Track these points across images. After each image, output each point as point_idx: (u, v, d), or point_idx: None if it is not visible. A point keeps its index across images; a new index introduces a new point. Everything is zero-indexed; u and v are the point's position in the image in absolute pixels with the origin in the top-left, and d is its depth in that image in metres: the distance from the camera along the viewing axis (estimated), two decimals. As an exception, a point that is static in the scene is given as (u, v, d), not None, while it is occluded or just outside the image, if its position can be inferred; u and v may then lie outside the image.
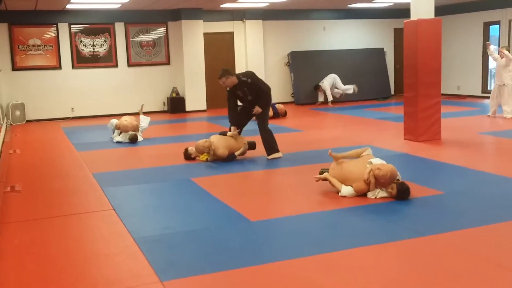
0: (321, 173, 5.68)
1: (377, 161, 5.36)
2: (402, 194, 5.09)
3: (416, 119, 8.31)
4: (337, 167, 5.49)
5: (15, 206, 5.46)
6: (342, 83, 15.06)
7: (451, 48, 15.61)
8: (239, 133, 7.54)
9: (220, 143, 7.37)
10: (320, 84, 14.91)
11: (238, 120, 7.53)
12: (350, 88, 14.90)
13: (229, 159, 7.35)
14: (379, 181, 5.17)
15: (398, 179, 5.24)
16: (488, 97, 13.35)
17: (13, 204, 5.55)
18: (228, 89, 7.37)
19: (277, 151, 7.47)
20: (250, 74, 7.40)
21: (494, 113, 10.84)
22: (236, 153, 7.42)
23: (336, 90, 14.99)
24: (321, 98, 15.00)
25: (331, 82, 14.95)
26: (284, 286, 3.33)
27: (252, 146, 7.68)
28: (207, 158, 7.36)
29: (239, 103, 7.62)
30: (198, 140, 7.50)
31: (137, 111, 10.13)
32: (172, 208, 5.24)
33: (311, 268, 3.59)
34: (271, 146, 7.46)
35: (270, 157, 7.39)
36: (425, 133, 8.32)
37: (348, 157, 5.59)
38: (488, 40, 13.40)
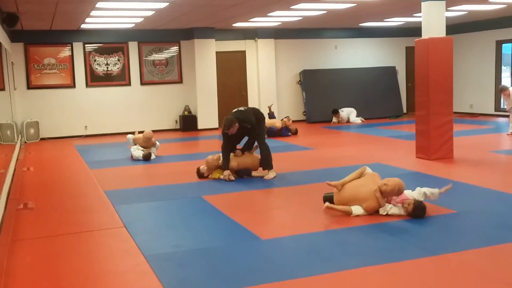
0: (325, 199, 5.61)
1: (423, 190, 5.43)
2: (418, 211, 5.06)
3: (428, 137, 8.29)
4: (341, 191, 5.43)
5: (27, 224, 5.50)
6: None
7: (464, 66, 15.58)
8: (243, 152, 7.63)
9: (237, 159, 7.46)
10: (339, 111, 14.90)
11: (231, 148, 7.55)
12: (358, 120, 14.92)
13: (242, 173, 7.38)
14: (388, 197, 5.15)
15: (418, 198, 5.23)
16: (501, 115, 13.31)
17: (26, 221, 5.60)
18: (228, 133, 7.30)
19: (272, 167, 7.46)
20: (248, 118, 7.32)
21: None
22: (254, 173, 7.46)
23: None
24: (335, 119, 14.96)
25: (349, 113, 14.97)
26: (294, 305, 3.32)
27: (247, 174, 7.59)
28: (219, 176, 7.39)
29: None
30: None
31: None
32: (183, 226, 5.25)
33: (321, 287, 3.57)
34: (267, 161, 7.48)
35: (266, 177, 7.37)
36: (437, 152, 8.28)
37: (349, 181, 5.52)
38: (492, 60, 13.58)
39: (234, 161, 7.45)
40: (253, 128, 7.41)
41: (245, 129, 7.37)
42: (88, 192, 7.04)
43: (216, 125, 14.39)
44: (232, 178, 7.31)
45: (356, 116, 15.00)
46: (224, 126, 7.22)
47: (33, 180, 8.02)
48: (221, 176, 7.36)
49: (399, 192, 5.13)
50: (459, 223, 5.00)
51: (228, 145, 7.47)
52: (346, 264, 3.96)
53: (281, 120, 12.68)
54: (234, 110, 7.57)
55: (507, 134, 10.81)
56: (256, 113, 7.59)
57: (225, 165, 7.33)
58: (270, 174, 7.40)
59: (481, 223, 4.98)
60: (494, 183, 6.66)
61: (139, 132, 9.96)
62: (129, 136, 9.90)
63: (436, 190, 5.39)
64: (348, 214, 5.28)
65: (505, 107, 11.16)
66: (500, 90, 11.15)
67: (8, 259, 4.34)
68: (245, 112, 7.49)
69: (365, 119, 15.07)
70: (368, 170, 5.60)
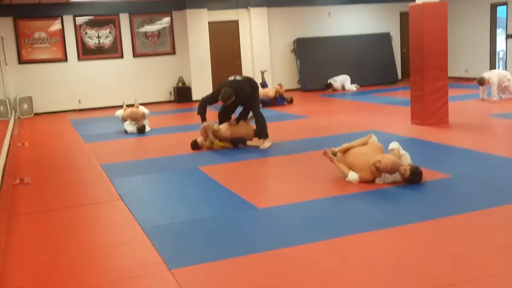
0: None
1: (394, 145, 5.38)
2: (414, 176, 5.07)
3: (423, 103, 8.27)
4: (345, 155, 5.47)
5: (24, 199, 5.51)
6: (347, 69, 14.99)
7: (458, 31, 15.47)
8: (238, 121, 7.63)
9: (223, 126, 7.49)
10: (332, 82, 14.83)
11: (225, 117, 7.68)
12: (353, 87, 14.85)
13: (237, 142, 7.39)
14: (382, 172, 5.16)
15: (411, 164, 5.23)
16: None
17: (23, 196, 5.60)
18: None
19: (267, 136, 7.46)
20: (244, 88, 7.30)
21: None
22: (249, 142, 7.46)
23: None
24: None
25: (343, 81, 14.89)
26: (291, 272, 3.35)
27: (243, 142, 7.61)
28: (222, 146, 7.43)
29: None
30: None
31: (129, 104, 10.04)
32: (179, 197, 5.26)
33: (317, 253, 3.60)
34: (263, 130, 7.47)
35: (261, 147, 7.37)
36: (432, 117, 8.28)
37: (354, 146, 5.53)
38: (487, 23, 13.31)
39: (228, 130, 7.45)
40: (248, 99, 7.38)
41: (240, 99, 7.34)
42: (83, 166, 7.04)
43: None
44: (234, 121, 7.45)
45: (351, 83, 14.95)
46: (222, 98, 7.20)
47: (28, 155, 8.00)
48: (213, 143, 7.40)
49: (392, 170, 5.09)
50: (453, 187, 5.03)
51: (223, 112, 7.59)
52: (342, 230, 3.99)
53: (274, 88, 12.61)
54: (230, 79, 7.53)
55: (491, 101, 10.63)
56: (251, 82, 7.56)
57: (202, 118, 7.43)
58: (266, 144, 7.40)
59: (476, 187, 5.01)
60: (490, 147, 6.68)
61: (127, 106, 9.85)
62: (118, 112, 9.74)
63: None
64: (344, 175, 5.30)
65: (483, 96, 10.85)
66: (478, 82, 10.65)
67: (6, 235, 4.35)
68: (241, 82, 7.44)
69: (360, 86, 15.02)
70: (374, 138, 5.58)
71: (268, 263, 3.51)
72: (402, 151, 5.37)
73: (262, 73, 13.46)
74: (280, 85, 12.61)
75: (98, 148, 8.09)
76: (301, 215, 4.44)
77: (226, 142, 7.51)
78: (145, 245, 3.93)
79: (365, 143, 5.53)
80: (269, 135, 7.49)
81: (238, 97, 7.27)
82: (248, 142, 7.51)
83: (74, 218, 4.80)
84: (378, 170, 5.13)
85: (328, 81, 14.90)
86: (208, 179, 5.84)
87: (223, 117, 7.75)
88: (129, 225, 4.42)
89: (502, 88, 10.62)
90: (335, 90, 14.78)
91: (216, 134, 7.47)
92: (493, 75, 10.61)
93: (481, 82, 10.62)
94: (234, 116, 7.78)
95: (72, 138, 9.33)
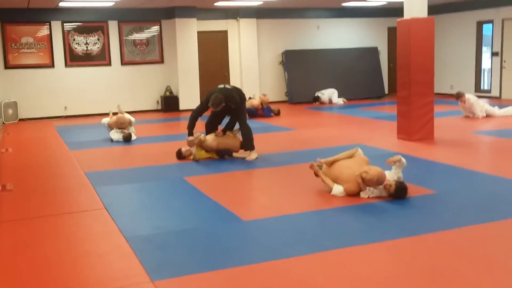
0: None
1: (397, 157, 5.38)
2: (400, 191, 5.08)
3: (409, 118, 8.32)
4: (330, 168, 5.48)
5: (6, 206, 5.43)
6: (335, 83, 15.07)
7: (445, 47, 15.64)
8: (224, 132, 7.62)
9: (210, 136, 7.49)
10: (320, 96, 14.87)
11: (212, 128, 7.72)
12: (340, 101, 14.90)
13: (223, 153, 7.37)
14: (368, 185, 5.17)
15: (399, 178, 5.24)
16: (481, 97, 13.41)
17: (5, 203, 5.52)
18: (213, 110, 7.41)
19: (253, 148, 7.44)
20: (234, 97, 7.30)
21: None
22: (235, 154, 7.44)
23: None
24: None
25: (330, 95, 14.93)
26: (276, 286, 3.33)
27: (229, 154, 7.56)
28: (208, 157, 7.39)
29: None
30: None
31: (116, 111, 9.95)
32: (164, 208, 5.22)
33: (303, 267, 3.59)
34: (249, 142, 7.44)
35: (247, 158, 7.36)
36: (418, 132, 8.33)
37: (339, 159, 5.54)
38: (473, 41, 13.46)
39: (215, 141, 7.44)
40: (235, 109, 7.37)
41: (228, 108, 7.33)
42: (68, 173, 6.96)
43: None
44: (221, 132, 7.47)
45: (338, 97, 15.01)
46: (212, 104, 7.17)
47: (11, 161, 7.91)
48: (198, 157, 7.36)
49: (378, 182, 5.11)
50: (438, 203, 5.04)
51: (210, 122, 7.65)
52: (328, 244, 3.97)
53: (259, 98, 12.61)
54: (220, 86, 7.51)
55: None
56: (240, 92, 7.57)
57: (189, 132, 7.37)
58: (252, 155, 7.38)
59: (461, 203, 5.03)
60: (474, 163, 6.72)
61: (114, 114, 9.79)
62: (104, 120, 9.69)
63: (398, 158, 5.35)
64: (329, 188, 5.31)
65: (463, 112, 11.02)
66: (456, 96, 10.78)
67: (-14, 242, 4.28)
68: (230, 90, 7.43)
69: (347, 99, 15.09)
70: (360, 152, 5.59)
71: (253, 276, 3.49)
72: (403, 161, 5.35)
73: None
74: (264, 94, 12.65)
75: (83, 156, 8.01)
76: (286, 228, 4.42)
77: (212, 153, 7.49)
78: (128, 256, 3.89)
79: (351, 156, 5.54)
80: (256, 147, 7.48)
81: (227, 105, 7.26)
82: (234, 154, 7.49)
83: (56, 226, 4.73)
84: (364, 182, 5.14)
85: (316, 94, 14.96)
86: (193, 190, 5.80)
87: (210, 127, 7.74)
88: (112, 235, 4.37)
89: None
90: (322, 103, 14.83)
91: (202, 145, 7.45)
92: (472, 96, 10.77)
93: (458, 95, 10.76)
94: (221, 127, 7.77)
95: (57, 145, 9.24)
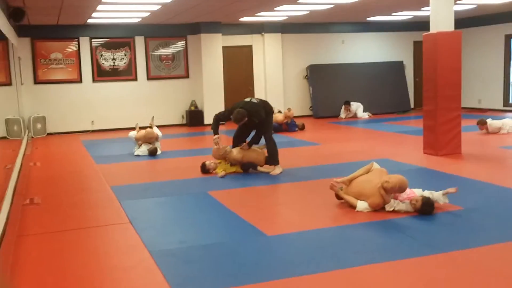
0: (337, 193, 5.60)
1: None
2: (426, 207, 5.02)
3: (435, 133, 8.22)
4: (349, 186, 5.43)
5: (34, 219, 5.51)
6: (360, 97, 15.00)
7: (472, 61, 15.46)
8: (250, 146, 7.59)
9: (235, 149, 7.52)
10: (351, 102, 14.84)
11: (239, 141, 7.71)
12: (365, 115, 14.84)
13: (247, 167, 7.37)
14: (393, 193, 5.12)
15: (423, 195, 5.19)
16: (510, 111, 13.19)
17: (32, 216, 5.60)
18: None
19: (278, 163, 7.44)
20: (259, 113, 7.25)
21: None
22: (259, 168, 7.44)
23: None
24: (343, 115, 14.89)
25: (356, 108, 14.90)
26: (299, 303, 3.29)
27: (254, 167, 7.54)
28: (224, 173, 7.34)
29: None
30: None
31: (148, 124, 10.04)
32: (188, 222, 5.24)
33: (326, 284, 3.55)
34: (274, 156, 7.44)
35: (272, 173, 7.35)
36: (445, 147, 8.22)
37: (357, 176, 5.50)
38: (501, 54, 13.26)
39: (240, 154, 7.45)
40: (261, 122, 7.36)
41: (253, 122, 7.33)
42: (94, 187, 7.04)
43: (223, 120, 14.31)
44: (246, 146, 7.43)
45: (363, 111, 14.93)
46: (234, 119, 7.20)
47: (39, 175, 8.03)
48: (225, 171, 7.36)
49: (400, 189, 5.08)
50: (465, 220, 4.95)
51: (237, 136, 7.68)
52: (352, 261, 3.93)
53: (283, 113, 12.60)
54: (246, 100, 7.49)
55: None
56: (266, 106, 7.51)
57: (214, 131, 7.51)
58: (277, 170, 7.37)
59: (488, 220, 4.93)
60: (502, 179, 6.60)
61: (140, 128, 9.88)
62: (131, 134, 9.79)
63: (439, 196, 5.28)
64: (353, 206, 5.26)
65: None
66: (479, 123, 10.58)
67: (14, 255, 4.34)
68: (256, 105, 7.36)
69: (372, 114, 15.00)
70: (376, 165, 5.57)
71: (276, 292, 3.46)
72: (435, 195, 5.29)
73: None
74: (288, 109, 12.62)
75: (109, 170, 8.10)
76: (311, 244, 4.39)
77: (237, 167, 7.50)
78: (153, 270, 3.90)
79: (368, 171, 5.49)
80: (280, 161, 7.47)
81: (250, 119, 7.25)
82: (259, 168, 7.49)
83: (82, 240, 4.78)
84: (387, 191, 5.09)
85: (347, 100, 14.85)
86: (217, 204, 5.81)
87: (237, 141, 7.74)
88: (137, 249, 4.39)
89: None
90: (349, 111, 14.73)
91: (227, 157, 7.47)
92: (495, 122, 10.55)
93: (481, 122, 10.57)
94: (247, 140, 7.78)
95: (84, 159, 9.36)
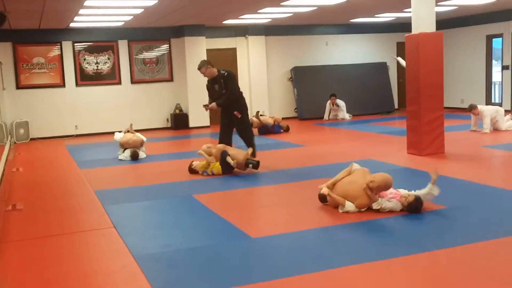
0: (320, 196, 5.58)
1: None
2: (416, 203, 5.05)
3: (419, 133, 8.27)
4: (333, 190, 5.41)
5: (16, 225, 5.44)
6: (344, 98, 15.02)
7: (455, 62, 15.60)
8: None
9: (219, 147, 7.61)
10: (335, 97, 14.78)
11: (227, 140, 7.98)
12: (347, 116, 14.81)
13: (223, 161, 7.36)
14: (377, 192, 5.14)
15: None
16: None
17: (14, 222, 5.53)
18: (207, 81, 8.15)
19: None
20: (229, 71, 8.04)
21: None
22: (232, 162, 7.34)
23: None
24: (326, 115, 14.89)
25: (342, 106, 14.82)
26: (284, 304, 3.29)
27: (254, 165, 7.50)
28: (207, 170, 7.45)
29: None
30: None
31: (127, 130, 9.93)
32: (173, 226, 5.21)
33: (312, 285, 3.55)
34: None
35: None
36: (429, 147, 8.27)
37: (339, 179, 5.50)
38: (482, 55, 13.54)
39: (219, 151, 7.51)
40: (229, 82, 7.94)
41: (223, 77, 7.93)
42: (77, 192, 6.99)
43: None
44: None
45: (346, 112, 14.91)
46: (199, 67, 8.08)
47: (22, 180, 7.95)
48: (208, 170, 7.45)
49: (386, 187, 5.11)
50: (450, 219, 4.99)
51: (222, 134, 8.09)
52: (337, 262, 3.93)
53: (273, 117, 12.69)
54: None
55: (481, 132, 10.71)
56: (237, 85, 8.25)
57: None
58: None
59: (472, 218, 4.97)
60: (485, 178, 6.66)
61: (127, 131, 9.79)
62: (117, 136, 9.69)
63: (426, 194, 5.31)
64: (342, 206, 5.24)
65: (472, 126, 11.02)
66: (469, 107, 10.79)
67: (-5, 262, 4.28)
68: (229, 70, 8.19)
69: (356, 115, 15.02)
70: (356, 166, 5.57)
71: (261, 294, 3.45)
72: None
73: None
74: (272, 116, 12.78)
75: (93, 174, 8.04)
76: (295, 245, 4.38)
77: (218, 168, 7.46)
78: (137, 275, 3.87)
79: (349, 173, 5.50)
80: (266, 164, 7.49)
81: (221, 75, 7.95)
82: (232, 162, 7.39)
83: (65, 245, 4.73)
84: (373, 190, 5.10)
85: (333, 93, 14.81)
86: (202, 208, 5.79)
87: (226, 141, 7.95)
88: (121, 254, 4.36)
89: (494, 123, 10.67)
90: (336, 105, 14.70)
91: (211, 153, 7.54)
92: (487, 108, 10.74)
93: (471, 107, 10.71)
94: (235, 145, 7.89)
95: (67, 164, 9.28)
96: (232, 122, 8.08)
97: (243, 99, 8.20)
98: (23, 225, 5.46)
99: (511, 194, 5.74)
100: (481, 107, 10.77)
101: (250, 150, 7.73)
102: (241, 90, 8.36)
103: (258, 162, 7.45)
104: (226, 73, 7.97)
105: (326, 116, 14.86)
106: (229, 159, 7.31)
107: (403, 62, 10.97)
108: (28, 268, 4.18)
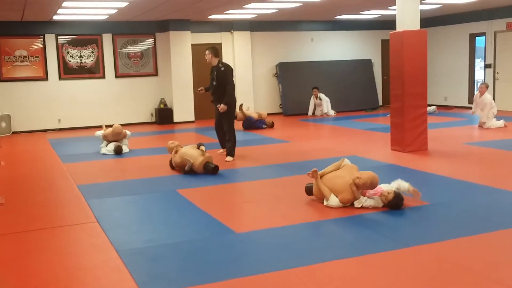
0: (306, 189, 5.64)
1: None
2: (397, 200, 5.09)
3: (402, 130, 8.34)
4: (321, 182, 5.44)
5: (-3, 219, 5.39)
6: (329, 95, 15.06)
7: (438, 60, 15.73)
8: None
9: (186, 150, 7.43)
10: (318, 90, 14.78)
11: (220, 133, 8.38)
12: (331, 112, 14.83)
13: (186, 170, 7.26)
14: (363, 190, 5.18)
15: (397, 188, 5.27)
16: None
17: (-4, 217, 5.48)
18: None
19: (233, 156, 8.11)
20: (227, 66, 8.21)
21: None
22: (186, 167, 7.23)
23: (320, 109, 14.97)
24: (310, 112, 14.92)
25: (325, 101, 14.83)
26: (267, 299, 3.30)
27: (209, 169, 7.18)
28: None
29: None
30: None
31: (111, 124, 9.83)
32: (156, 220, 5.19)
33: (294, 280, 3.56)
34: (231, 149, 8.12)
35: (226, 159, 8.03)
36: (412, 144, 8.34)
37: (328, 172, 5.54)
38: (466, 53, 13.80)
39: (180, 158, 7.40)
40: (222, 77, 8.05)
41: (218, 70, 8.12)
42: (60, 186, 6.93)
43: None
44: (203, 148, 7.43)
45: (331, 108, 14.96)
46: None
47: (3, 174, 7.86)
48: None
49: (371, 185, 5.14)
50: (432, 215, 5.04)
51: (216, 127, 8.44)
52: (320, 257, 3.95)
53: (258, 112, 12.71)
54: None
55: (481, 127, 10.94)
56: (231, 81, 8.22)
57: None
58: (228, 158, 7.96)
59: (454, 214, 5.02)
60: (467, 175, 6.73)
61: (107, 126, 9.75)
62: (98, 133, 9.63)
63: (406, 185, 5.37)
64: (326, 198, 5.27)
65: (473, 107, 11.26)
66: (484, 84, 11.19)
67: (-25, 256, 4.24)
68: (228, 65, 8.36)
69: (339, 112, 15.07)
70: (347, 161, 5.62)
71: (244, 289, 3.46)
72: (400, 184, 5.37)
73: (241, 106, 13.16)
74: (261, 112, 12.81)
75: (76, 169, 7.98)
76: (279, 241, 4.39)
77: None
78: (120, 269, 3.85)
79: (338, 167, 5.54)
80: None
81: (218, 68, 8.11)
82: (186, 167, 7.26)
83: (47, 240, 4.69)
84: (358, 187, 5.14)
85: (315, 86, 14.83)
86: (186, 202, 5.78)
87: (219, 133, 8.42)
88: (104, 248, 4.34)
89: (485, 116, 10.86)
90: (318, 98, 14.69)
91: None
92: (490, 98, 11.10)
93: (485, 84, 11.23)
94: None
95: (50, 158, 9.20)
96: (219, 117, 8.31)
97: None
98: (5, 219, 5.41)
99: (492, 191, 5.81)
100: (490, 96, 11.10)
101: (220, 151, 7.80)
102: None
103: (215, 166, 7.19)
104: (222, 67, 8.13)
105: (310, 112, 14.90)
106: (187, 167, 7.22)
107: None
108: (9, 262, 4.14)
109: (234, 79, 8.27)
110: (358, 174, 5.19)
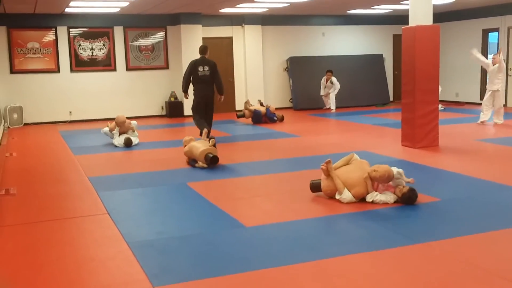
0: (311, 185, 5.59)
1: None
2: (411, 194, 5.08)
3: (413, 126, 8.29)
4: (330, 177, 5.42)
5: (9, 210, 5.43)
6: (341, 89, 15.00)
7: (450, 55, 15.61)
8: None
9: (196, 143, 7.54)
10: (332, 73, 14.68)
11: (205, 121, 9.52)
12: (333, 102, 14.76)
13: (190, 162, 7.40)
14: (377, 183, 5.17)
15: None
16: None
17: (8, 207, 5.52)
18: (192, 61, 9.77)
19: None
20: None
21: (484, 122, 10.85)
22: (197, 165, 7.27)
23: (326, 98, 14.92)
24: (322, 91, 14.86)
25: (336, 87, 14.74)
26: (277, 293, 3.30)
27: (208, 159, 7.14)
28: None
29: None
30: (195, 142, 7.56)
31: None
32: (167, 213, 5.21)
33: (303, 275, 3.56)
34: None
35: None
36: (423, 140, 8.30)
37: (338, 167, 5.52)
38: (478, 49, 13.61)
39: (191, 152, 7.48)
40: (214, 69, 9.68)
41: (209, 63, 9.75)
42: (71, 178, 6.97)
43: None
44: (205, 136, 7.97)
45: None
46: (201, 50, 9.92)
47: (15, 165, 7.92)
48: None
49: (388, 179, 5.14)
50: (443, 211, 5.01)
51: (186, 76, 10.08)
52: (330, 252, 3.95)
53: (265, 105, 12.69)
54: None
55: (478, 123, 10.83)
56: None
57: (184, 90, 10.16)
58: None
59: (465, 211, 5.00)
60: (478, 171, 6.68)
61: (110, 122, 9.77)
62: (104, 130, 9.63)
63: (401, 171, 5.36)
64: (339, 192, 5.26)
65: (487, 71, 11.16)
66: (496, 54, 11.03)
67: (-12, 246, 4.28)
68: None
69: (349, 107, 15.07)
70: (356, 157, 5.61)
71: (254, 283, 3.47)
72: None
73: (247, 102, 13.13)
74: (246, 102, 12.90)
75: (87, 161, 8.02)
76: (289, 235, 4.40)
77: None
78: (130, 261, 3.87)
79: (348, 162, 5.53)
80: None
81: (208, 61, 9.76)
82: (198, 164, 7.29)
83: (59, 231, 4.73)
84: (374, 180, 5.14)
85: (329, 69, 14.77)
86: (196, 196, 5.79)
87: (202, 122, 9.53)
88: (115, 240, 4.36)
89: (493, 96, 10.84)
90: (331, 82, 14.58)
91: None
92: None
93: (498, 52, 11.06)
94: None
95: (61, 150, 9.25)
96: (206, 105, 9.95)
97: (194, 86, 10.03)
98: (17, 210, 5.45)
99: (503, 188, 5.77)
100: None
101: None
102: (191, 77, 10.06)
103: (214, 156, 7.12)
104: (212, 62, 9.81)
105: (322, 92, 14.88)
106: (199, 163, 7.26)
107: (481, 57, 11.02)
108: (21, 253, 4.17)
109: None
110: (375, 167, 5.19)
